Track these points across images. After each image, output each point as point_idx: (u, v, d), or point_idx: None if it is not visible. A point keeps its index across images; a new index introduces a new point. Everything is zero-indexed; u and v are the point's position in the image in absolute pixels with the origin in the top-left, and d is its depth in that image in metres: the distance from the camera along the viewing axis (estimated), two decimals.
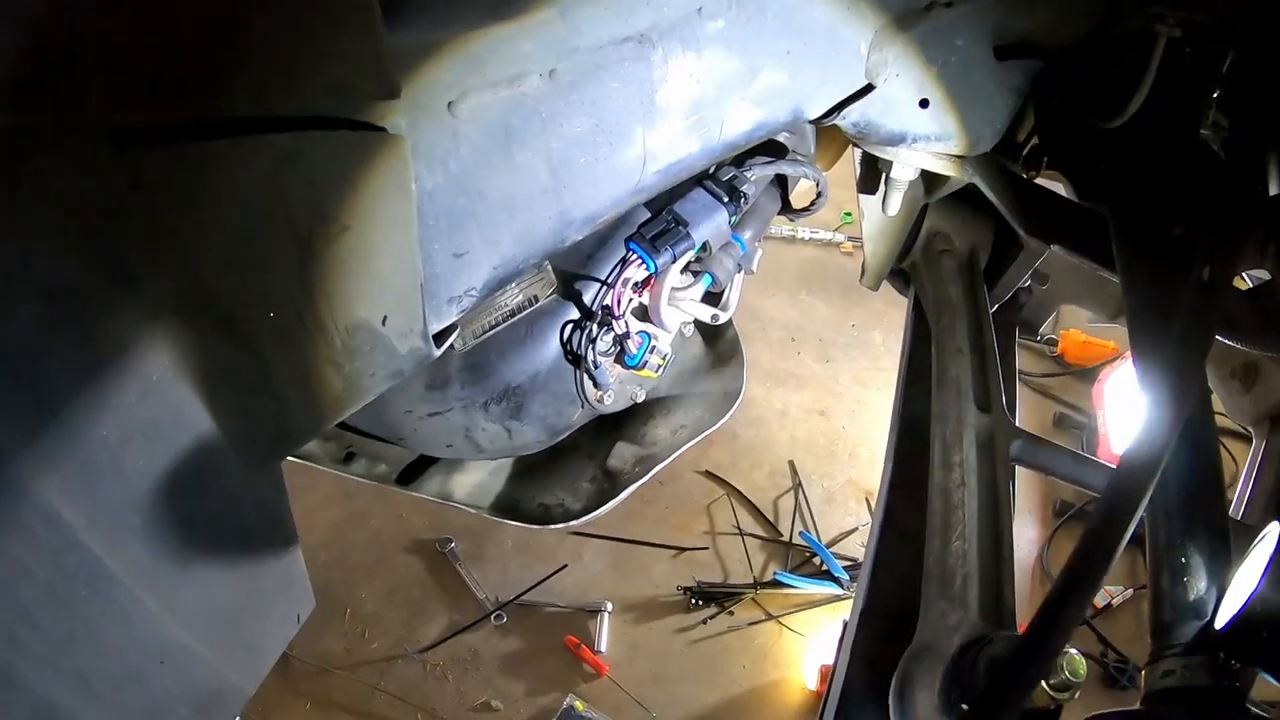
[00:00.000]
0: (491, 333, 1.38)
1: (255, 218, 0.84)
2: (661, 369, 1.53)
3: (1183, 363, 0.99)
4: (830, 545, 3.48)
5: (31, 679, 0.83)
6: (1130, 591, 3.26)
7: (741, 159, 1.46)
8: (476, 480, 1.70)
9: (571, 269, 1.41)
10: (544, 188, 1.07)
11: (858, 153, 1.73)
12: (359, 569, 3.42)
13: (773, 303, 4.50)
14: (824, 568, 3.40)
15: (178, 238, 0.81)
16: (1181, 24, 1.21)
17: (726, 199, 1.40)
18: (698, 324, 1.66)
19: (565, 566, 3.40)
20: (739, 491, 3.69)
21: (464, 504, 1.67)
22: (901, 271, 2.09)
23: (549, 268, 1.39)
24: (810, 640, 3.24)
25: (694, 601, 3.31)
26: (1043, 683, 0.97)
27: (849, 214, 4.80)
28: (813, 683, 3.11)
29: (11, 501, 0.75)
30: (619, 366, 1.50)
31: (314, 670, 3.09)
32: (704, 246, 1.41)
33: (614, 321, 1.37)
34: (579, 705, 3.03)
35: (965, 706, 1.09)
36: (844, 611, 3.28)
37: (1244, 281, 1.61)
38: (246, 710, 2.12)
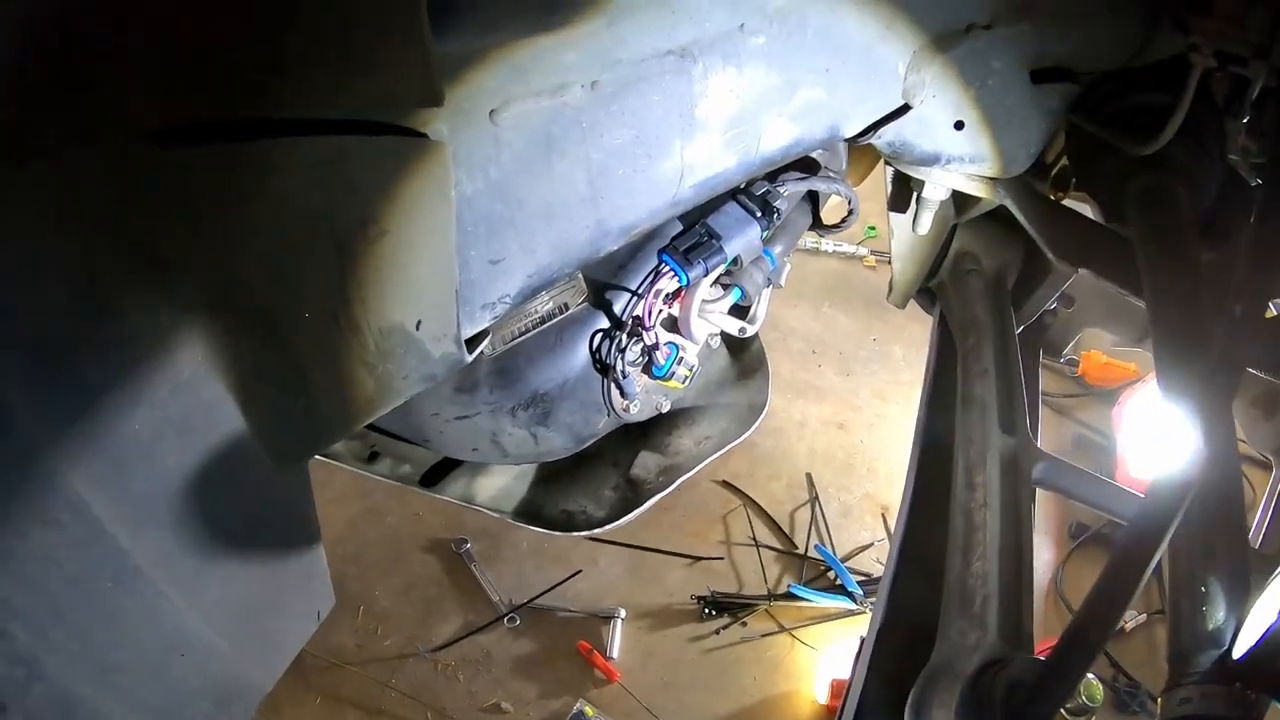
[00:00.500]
0: (521, 339, 1.39)
1: (295, 218, 0.86)
2: (688, 380, 1.54)
3: (1212, 402, 1.00)
4: (845, 560, 3.47)
5: (55, 670, 0.84)
6: (1144, 616, 3.24)
7: (775, 174, 1.47)
8: (500, 484, 1.72)
9: (602, 278, 1.42)
10: (582, 197, 1.08)
11: (888, 170, 1.74)
12: (374, 566, 3.43)
13: (795, 314, 4.50)
14: (838, 582, 3.39)
15: (216, 235, 0.83)
16: (1216, 54, 1.22)
17: (760, 214, 1.42)
18: (724, 336, 1.67)
19: (580, 571, 3.40)
20: (755, 502, 3.69)
21: (487, 508, 1.69)
22: (928, 289, 2.09)
23: (580, 276, 1.40)
24: (822, 654, 3.23)
25: (707, 611, 3.31)
26: None
27: (873, 228, 4.81)
28: (823, 696, 3.10)
29: (41, 492, 0.76)
30: (645, 376, 1.51)
31: (325, 665, 3.10)
32: (735, 260, 1.42)
33: (644, 332, 1.38)
34: (589, 710, 3.03)
35: None
36: (857, 626, 3.27)
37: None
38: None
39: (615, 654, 3.20)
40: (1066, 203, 1.59)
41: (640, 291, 1.39)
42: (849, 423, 4.06)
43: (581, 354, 1.41)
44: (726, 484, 3.73)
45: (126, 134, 0.74)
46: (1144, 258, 1.22)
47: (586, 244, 1.12)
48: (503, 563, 3.46)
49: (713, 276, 1.43)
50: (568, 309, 1.40)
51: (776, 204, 1.43)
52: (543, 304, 1.39)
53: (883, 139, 1.34)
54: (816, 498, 3.72)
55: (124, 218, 0.76)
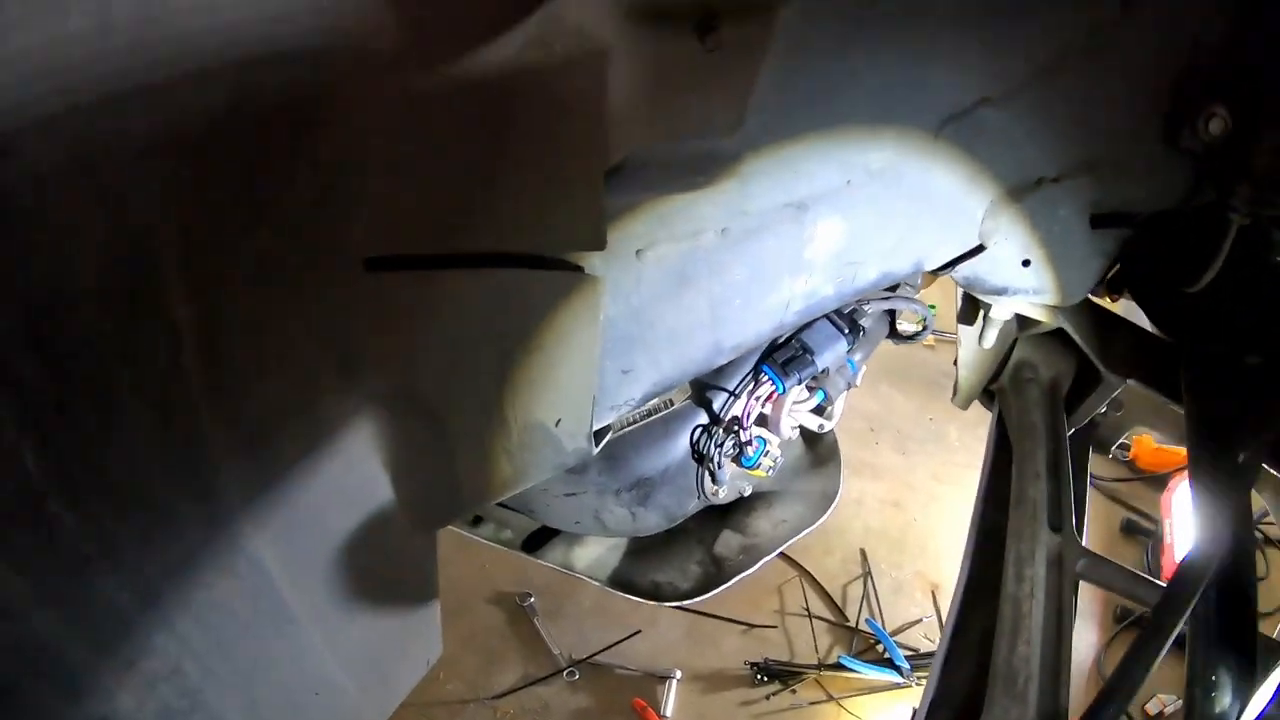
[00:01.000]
0: (629, 428, 1.58)
1: (470, 333, 1.03)
2: (772, 470, 1.72)
3: (1230, 501, 1.16)
4: (895, 634, 3.59)
5: (214, 702, 0.98)
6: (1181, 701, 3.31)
7: None
8: (595, 554, 1.90)
9: (704, 378, 1.60)
10: (703, 322, 1.26)
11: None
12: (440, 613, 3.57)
13: (854, 393, 4.54)
14: (886, 655, 3.49)
15: (404, 344, 0.98)
16: (1251, 215, 1.36)
17: (847, 330, 1.60)
18: (801, 428, 1.85)
19: (639, 632, 3.54)
20: (810, 574, 3.82)
21: (584, 575, 1.86)
22: (989, 391, 2.24)
23: None
24: None
25: (759, 677, 3.43)
26: None
27: (934, 306, 4.92)
28: None
29: (229, 549, 0.90)
30: (734, 465, 1.69)
31: None
32: (824, 370, 1.60)
33: (741, 431, 1.57)
34: None
35: None
36: (903, 700, 3.38)
37: None
38: None
39: (669, 713, 3.32)
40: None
41: (738, 392, 1.57)
42: (904, 500, 4.19)
43: (682, 445, 1.60)
44: (783, 556, 3.84)
45: (343, 261, 0.87)
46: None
47: (704, 360, 1.31)
48: (564, 618, 3.61)
49: (804, 383, 1.61)
50: (673, 404, 1.59)
51: (862, 322, 1.61)
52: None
53: (959, 273, 1.51)
54: (869, 573, 3.84)
55: (331, 326, 0.90)
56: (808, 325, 1.59)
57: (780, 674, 3.45)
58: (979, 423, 2.17)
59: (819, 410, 1.79)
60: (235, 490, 0.89)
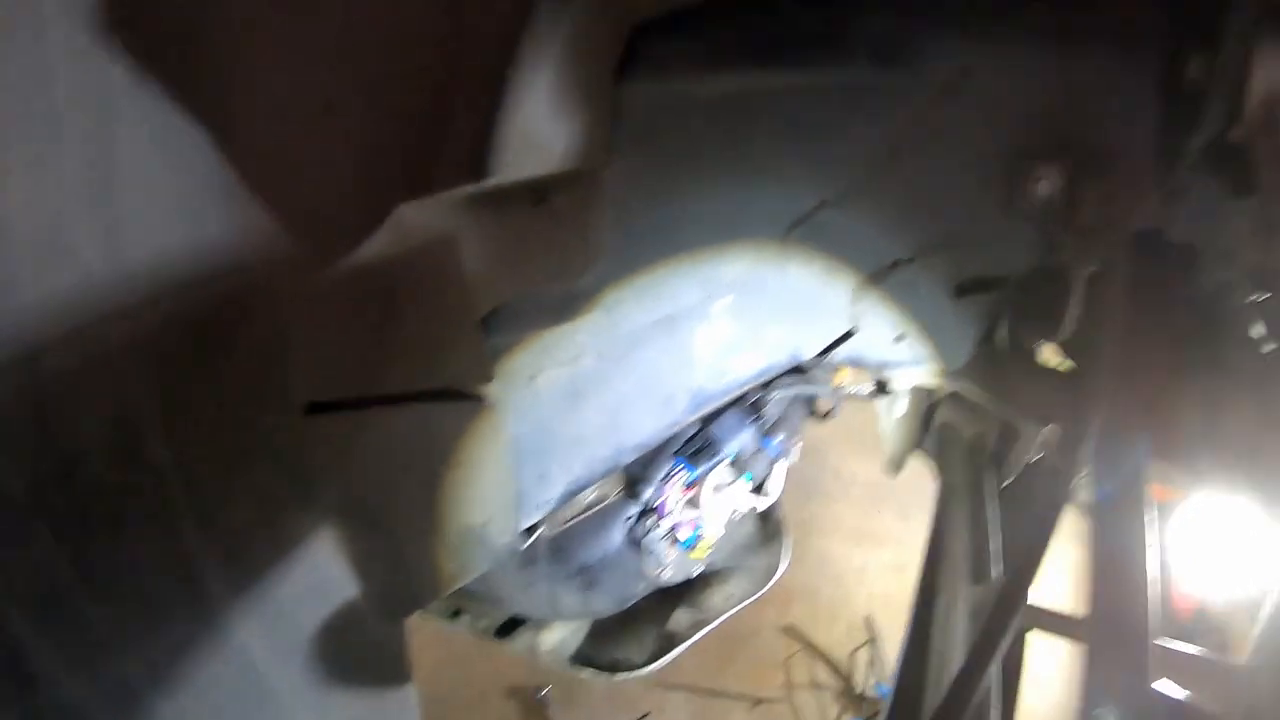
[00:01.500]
0: (572, 522, 1.77)
1: (399, 456, 1.24)
2: (710, 551, 1.89)
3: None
4: None
5: None
6: None
7: (769, 382, 1.83)
8: (559, 637, 2.06)
9: (635, 472, 1.79)
10: (602, 428, 1.46)
11: None
12: (458, 708, 3.70)
13: (856, 462, 4.79)
14: None
15: (345, 468, 1.19)
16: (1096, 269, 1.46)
17: (754, 418, 1.79)
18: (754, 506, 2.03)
19: (648, 714, 3.64)
20: (814, 646, 3.92)
21: (548, 654, 2.03)
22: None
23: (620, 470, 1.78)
24: None
25: None
26: None
27: None
28: None
29: (219, 639, 1.10)
30: (674, 549, 1.87)
31: None
32: (736, 456, 1.79)
33: (661, 519, 1.75)
34: None
35: None
36: None
37: None
38: None
39: None
40: None
41: (660, 483, 1.76)
42: (908, 565, 4.20)
43: (617, 534, 1.78)
44: (789, 629, 3.97)
45: (286, 407, 1.10)
46: None
47: (609, 459, 1.50)
48: (577, 706, 3.71)
49: (720, 468, 1.80)
50: (607, 499, 1.78)
51: (765, 409, 1.80)
52: (588, 495, 1.77)
53: (839, 356, 1.69)
54: (874, 639, 3.94)
55: (283, 457, 1.12)
56: (716, 415, 1.78)
57: None
58: None
59: (758, 489, 1.97)
60: (221, 590, 1.09)
